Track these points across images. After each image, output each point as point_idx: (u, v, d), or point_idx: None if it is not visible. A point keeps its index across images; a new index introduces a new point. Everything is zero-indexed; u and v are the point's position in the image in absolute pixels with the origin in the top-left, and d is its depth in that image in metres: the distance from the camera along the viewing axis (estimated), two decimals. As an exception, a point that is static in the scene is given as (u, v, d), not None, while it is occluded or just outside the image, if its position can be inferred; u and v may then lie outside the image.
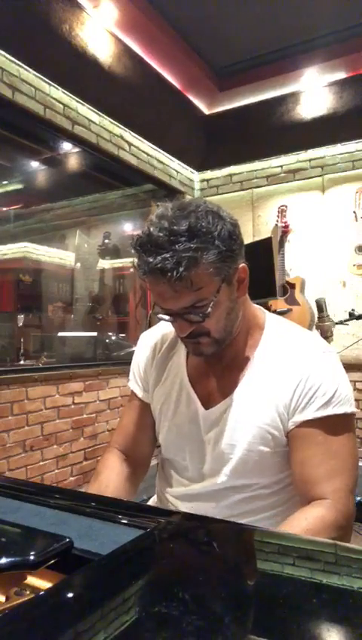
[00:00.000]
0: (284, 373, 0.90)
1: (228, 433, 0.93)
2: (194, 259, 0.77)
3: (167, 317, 0.87)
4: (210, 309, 0.83)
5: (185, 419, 0.99)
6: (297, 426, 0.88)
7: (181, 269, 0.76)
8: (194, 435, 0.98)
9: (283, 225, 3.65)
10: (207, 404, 0.97)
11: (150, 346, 1.08)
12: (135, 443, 1.09)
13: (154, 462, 1.16)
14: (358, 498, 3.05)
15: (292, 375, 0.89)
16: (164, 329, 1.08)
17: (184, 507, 1.00)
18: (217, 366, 0.97)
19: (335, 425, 0.87)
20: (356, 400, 3.40)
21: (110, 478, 1.02)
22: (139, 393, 1.09)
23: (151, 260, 0.78)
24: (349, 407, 0.88)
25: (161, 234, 0.78)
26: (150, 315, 3.77)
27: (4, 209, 3.74)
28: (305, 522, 0.80)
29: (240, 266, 0.88)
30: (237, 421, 0.92)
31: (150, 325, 3.29)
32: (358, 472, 0.89)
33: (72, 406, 2.77)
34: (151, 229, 0.79)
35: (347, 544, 0.59)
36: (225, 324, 0.89)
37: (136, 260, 0.82)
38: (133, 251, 0.83)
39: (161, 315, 0.88)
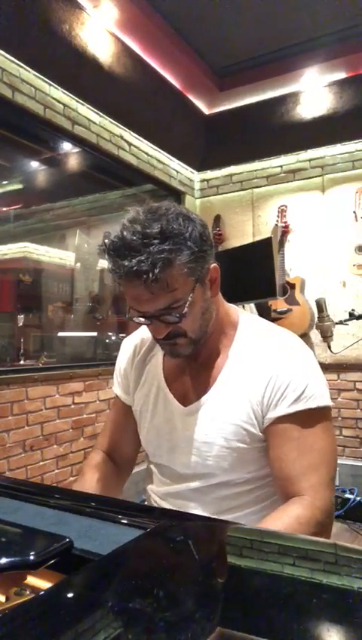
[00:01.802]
0: (257, 371, 0.91)
1: (204, 431, 0.95)
2: (168, 260, 0.79)
3: (143, 320, 0.88)
4: (186, 309, 0.84)
5: (163, 419, 1.01)
6: (272, 422, 0.90)
7: (156, 271, 0.78)
8: (172, 434, 1.00)
9: (283, 225, 3.64)
10: (184, 403, 0.99)
11: (130, 350, 1.11)
12: (119, 445, 1.13)
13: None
14: (358, 498, 3.05)
15: (264, 373, 0.91)
16: (143, 333, 1.10)
17: (167, 504, 1.02)
18: (192, 365, 0.99)
19: (309, 419, 0.88)
20: (356, 400, 3.40)
21: (93, 479, 1.04)
22: (122, 396, 1.12)
23: (126, 263, 0.79)
24: (322, 401, 0.89)
25: (135, 237, 0.79)
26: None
27: (4, 209, 3.73)
28: (281, 523, 0.81)
29: (212, 266, 0.90)
30: (212, 419, 0.94)
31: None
32: (336, 465, 0.91)
33: (72, 406, 2.77)
34: (125, 233, 0.80)
35: (347, 544, 0.59)
36: (201, 323, 0.91)
37: (110, 264, 0.83)
38: (106, 256, 0.84)
39: (136, 319, 0.89)
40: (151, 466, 1.09)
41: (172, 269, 0.80)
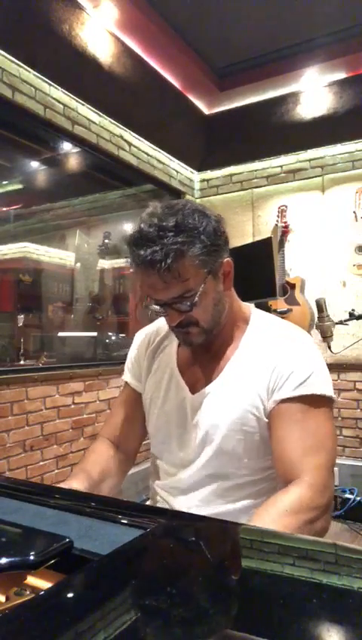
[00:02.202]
0: (263, 360, 0.96)
1: (211, 415, 0.98)
2: (180, 251, 0.84)
3: (157, 307, 0.93)
4: (196, 299, 0.89)
5: (174, 405, 1.04)
6: (276, 405, 0.93)
7: (169, 261, 0.83)
8: (181, 420, 1.03)
9: (283, 225, 3.64)
10: (194, 390, 1.02)
11: (144, 339, 1.16)
12: (123, 434, 1.15)
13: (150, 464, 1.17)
14: (358, 498, 3.05)
15: (270, 361, 0.95)
16: (159, 325, 1.14)
17: (172, 498, 1.04)
18: (205, 355, 1.03)
19: (312, 404, 0.91)
20: (356, 400, 3.40)
21: (97, 460, 1.07)
22: (132, 382, 1.15)
23: (142, 252, 0.85)
24: (326, 390, 0.93)
25: (151, 229, 0.85)
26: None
27: (4, 209, 3.73)
28: (282, 505, 0.83)
29: (226, 260, 0.94)
30: (219, 403, 0.98)
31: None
32: (336, 455, 0.93)
33: (72, 406, 2.77)
34: (142, 226, 0.87)
35: (347, 544, 0.59)
36: (213, 314, 0.95)
37: (129, 255, 0.89)
38: (126, 247, 0.90)
39: (151, 306, 0.94)
40: (157, 458, 1.11)
41: (184, 259, 0.85)
